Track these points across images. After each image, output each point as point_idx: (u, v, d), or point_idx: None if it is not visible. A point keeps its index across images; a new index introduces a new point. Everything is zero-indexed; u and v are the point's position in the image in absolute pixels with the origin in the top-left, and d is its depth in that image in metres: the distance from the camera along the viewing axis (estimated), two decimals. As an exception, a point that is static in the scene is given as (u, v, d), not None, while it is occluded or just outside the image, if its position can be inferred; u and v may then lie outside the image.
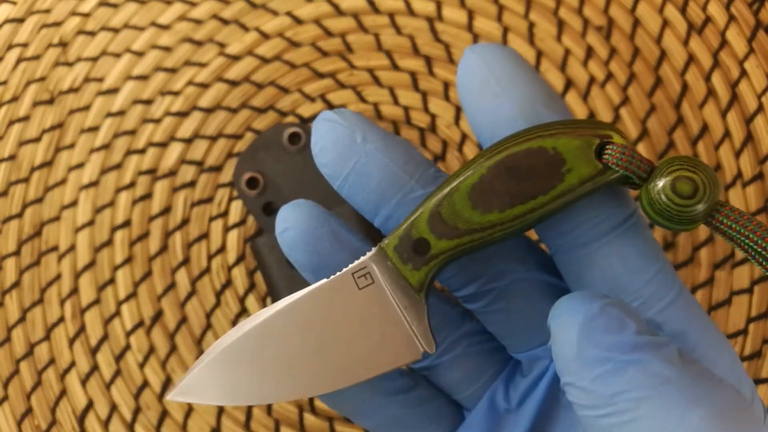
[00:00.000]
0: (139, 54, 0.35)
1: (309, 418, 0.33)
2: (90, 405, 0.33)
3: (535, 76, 0.20)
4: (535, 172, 0.18)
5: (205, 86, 0.35)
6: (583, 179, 0.18)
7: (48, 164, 0.34)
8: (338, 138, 0.20)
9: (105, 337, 0.33)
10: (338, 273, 0.20)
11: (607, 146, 0.18)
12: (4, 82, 0.35)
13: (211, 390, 0.20)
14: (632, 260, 0.19)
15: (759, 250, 0.17)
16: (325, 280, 0.20)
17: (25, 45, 0.35)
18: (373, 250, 0.19)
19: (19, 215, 0.34)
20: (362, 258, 0.19)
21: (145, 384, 0.33)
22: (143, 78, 0.35)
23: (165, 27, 0.35)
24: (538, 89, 0.20)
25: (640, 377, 0.16)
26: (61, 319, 0.33)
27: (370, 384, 0.21)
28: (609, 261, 0.19)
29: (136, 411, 0.33)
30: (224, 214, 0.34)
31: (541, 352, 0.22)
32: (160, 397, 0.33)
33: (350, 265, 0.20)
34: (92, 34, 0.35)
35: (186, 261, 0.34)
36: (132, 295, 0.34)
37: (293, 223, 0.21)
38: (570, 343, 0.17)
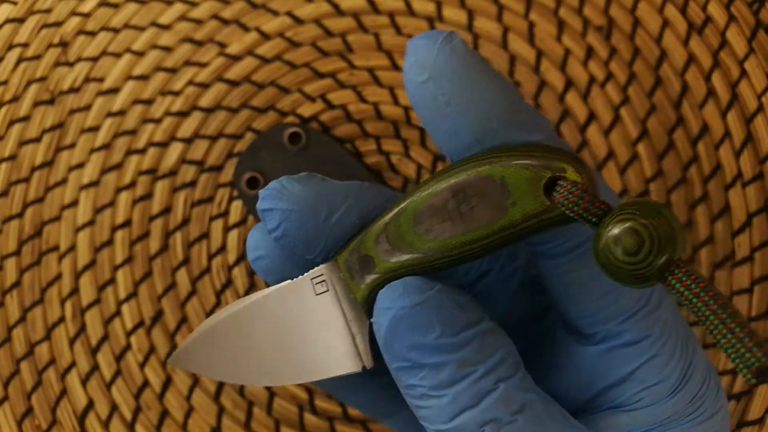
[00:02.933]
0: (140, 54, 0.35)
1: (309, 418, 0.33)
2: (90, 405, 0.33)
3: (492, 79, 0.18)
4: (479, 203, 0.17)
5: (205, 86, 0.35)
6: (527, 215, 0.17)
7: (48, 164, 0.34)
8: (300, 223, 0.19)
9: (105, 337, 0.33)
10: (300, 276, 0.20)
11: (559, 181, 0.16)
12: (5, 82, 0.35)
13: (195, 360, 0.21)
14: (594, 279, 0.19)
15: (716, 322, 0.15)
16: (288, 282, 0.20)
17: (25, 45, 0.35)
18: (330, 260, 0.19)
19: (20, 215, 0.34)
20: (321, 265, 0.20)
21: (146, 384, 0.33)
22: (143, 78, 0.35)
23: (165, 27, 0.35)
24: (496, 102, 0.17)
25: (430, 379, 0.18)
26: (62, 319, 0.33)
27: None
28: (576, 275, 0.19)
29: (137, 411, 0.33)
30: (224, 214, 0.34)
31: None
32: (161, 396, 0.33)
33: (311, 270, 0.20)
34: (92, 34, 0.35)
35: (186, 261, 0.34)
36: (132, 295, 0.34)
37: (266, 251, 0.20)
38: (380, 333, 0.18)
